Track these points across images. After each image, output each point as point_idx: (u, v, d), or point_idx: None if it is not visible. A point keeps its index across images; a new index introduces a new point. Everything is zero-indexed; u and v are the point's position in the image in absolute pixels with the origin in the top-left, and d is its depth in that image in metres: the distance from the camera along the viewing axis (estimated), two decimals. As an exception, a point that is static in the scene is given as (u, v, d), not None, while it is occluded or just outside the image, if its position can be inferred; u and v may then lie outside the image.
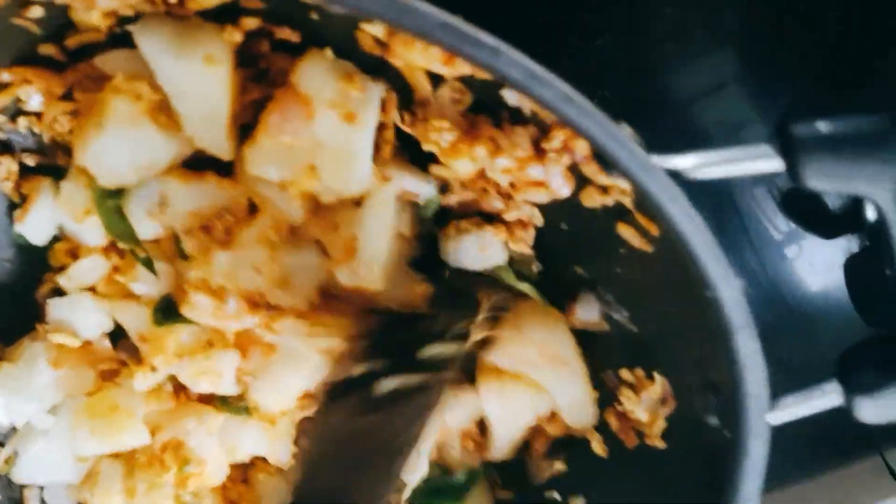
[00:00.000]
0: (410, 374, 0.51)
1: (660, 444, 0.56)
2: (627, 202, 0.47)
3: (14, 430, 0.60)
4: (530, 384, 0.57)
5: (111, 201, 0.50)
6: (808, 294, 0.74)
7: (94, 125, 0.46)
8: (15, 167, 0.53)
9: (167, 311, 0.54)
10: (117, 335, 0.59)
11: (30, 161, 0.54)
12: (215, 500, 0.66)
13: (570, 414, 0.58)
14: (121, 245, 0.54)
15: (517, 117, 0.48)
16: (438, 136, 0.49)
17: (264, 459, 0.63)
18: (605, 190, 0.48)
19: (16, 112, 0.51)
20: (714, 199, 0.72)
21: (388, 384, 0.51)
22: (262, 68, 0.49)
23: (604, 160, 0.41)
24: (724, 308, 0.42)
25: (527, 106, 0.45)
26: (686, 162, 0.39)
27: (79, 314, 0.56)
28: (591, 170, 0.46)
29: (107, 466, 0.62)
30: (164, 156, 0.49)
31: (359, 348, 0.55)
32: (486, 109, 0.49)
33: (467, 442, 0.65)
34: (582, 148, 0.44)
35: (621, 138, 0.36)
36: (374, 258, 0.51)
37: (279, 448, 0.61)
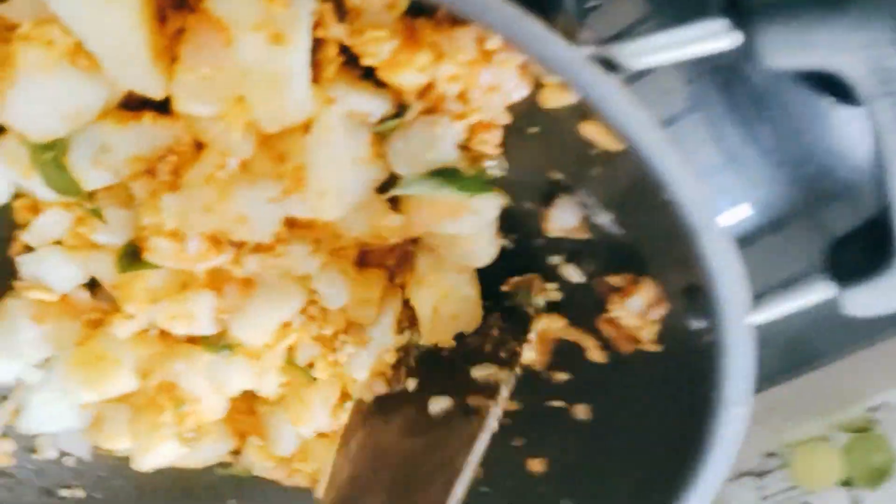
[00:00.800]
0: (462, 393, 0.50)
1: (654, 347, 0.53)
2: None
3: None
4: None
5: (47, 155, 0.48)
6: (840, 163, 0.69)
7: (6, 79, 0.43)
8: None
9: (130, 257, 0.53)
10: (96, 284, 0.59)
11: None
12: (225, 433, 0.67)
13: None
14: (64, 199, 0.52)
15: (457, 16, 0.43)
16: (377, 48, 0.45)
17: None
18: (561, 86, 0.44)
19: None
20: (722, 74, 0.66)
21: (440, 403, 0.50)
22: (181, -7, 0.45)
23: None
24: (684, 210, 0.38)
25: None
26: (627, 50, 0.35)
27: (49, 269, 0.55)
28: (538, 69, 0.42)
29: (110, 410, 0.63)
30: (93, 101, 0.46)
31: (407, 362, 0.54)
32: (423, 11, 0.45)
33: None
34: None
35: (538, 32, 0.32)
36: (325, 188, 0.48)
37: (267, 381, 0.60)
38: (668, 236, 0.47)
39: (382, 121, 0.51)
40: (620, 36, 0.34)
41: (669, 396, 0.53)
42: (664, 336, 0.53)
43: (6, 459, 0.62)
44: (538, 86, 0.45)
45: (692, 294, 0.46)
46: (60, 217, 0.54)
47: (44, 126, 0.46)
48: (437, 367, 0.52)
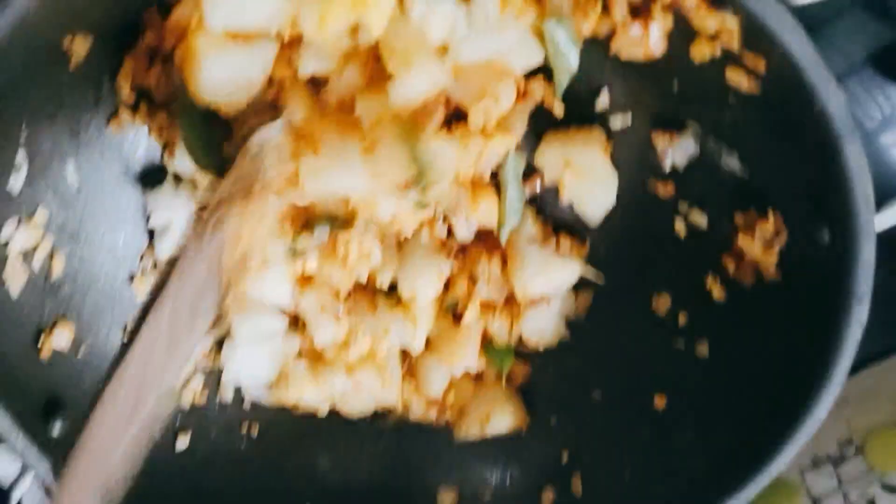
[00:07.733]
0: None
1: (774, 275, 0.60)
2: (735, 45, 0.53)
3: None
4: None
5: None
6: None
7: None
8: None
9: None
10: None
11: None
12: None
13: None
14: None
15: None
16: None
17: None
18: (713, 38, 0.54)
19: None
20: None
21: None
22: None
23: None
24: (832, 118, 0.48)
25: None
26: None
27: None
28: (701, 15, 0.52)
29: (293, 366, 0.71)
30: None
31: None
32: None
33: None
34: (690, -1, 0.50)
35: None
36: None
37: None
38: (792, 163, 0.55)
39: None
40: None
41: (789, 319, 0.59)
42: (782, 263, 0.60)
43: (198, 398, 0.70)
44: (690, 40, 0.56)
45: (820, 210, 0.54)
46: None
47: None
48: None
